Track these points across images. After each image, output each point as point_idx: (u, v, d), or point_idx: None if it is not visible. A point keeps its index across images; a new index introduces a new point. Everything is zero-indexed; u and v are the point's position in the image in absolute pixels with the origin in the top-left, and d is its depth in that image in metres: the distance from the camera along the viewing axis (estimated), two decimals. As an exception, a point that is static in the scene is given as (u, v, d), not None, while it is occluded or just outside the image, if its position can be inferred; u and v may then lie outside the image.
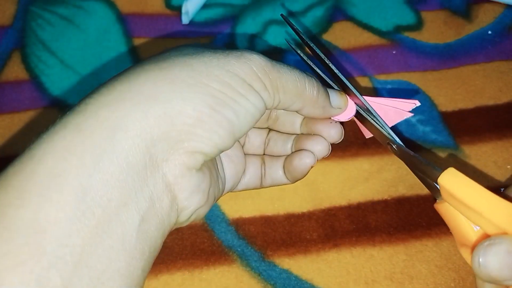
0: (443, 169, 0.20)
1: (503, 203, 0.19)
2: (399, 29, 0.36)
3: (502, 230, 0.19)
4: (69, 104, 0.33)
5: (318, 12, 0.37)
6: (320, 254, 0.27)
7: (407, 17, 0.37)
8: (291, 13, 0.37)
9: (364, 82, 0.34)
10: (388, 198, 0.29)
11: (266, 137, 0.27)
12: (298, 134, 0.27)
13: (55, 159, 0.17)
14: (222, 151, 0.20)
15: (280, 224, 0.28)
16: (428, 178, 0.22)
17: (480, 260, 0.19)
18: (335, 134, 0.25)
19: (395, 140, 0.24)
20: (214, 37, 0.36)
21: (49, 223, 0.16)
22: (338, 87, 0.26)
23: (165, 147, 0.18)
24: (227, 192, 0.25)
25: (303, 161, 0.25)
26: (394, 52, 0.35)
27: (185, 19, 0.36)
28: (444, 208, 0.22)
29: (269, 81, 0.20)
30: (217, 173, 0.23)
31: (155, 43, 0.36)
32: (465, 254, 0.22)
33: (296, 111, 0.23)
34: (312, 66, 0.26)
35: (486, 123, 0.32)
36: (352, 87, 0.25)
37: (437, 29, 0.36)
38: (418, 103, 0.25)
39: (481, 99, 0.33)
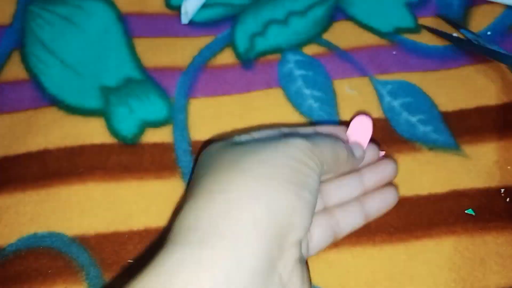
0: None
1: None
2: (399, 31, 0.36)
3: None
4: (69, 104, 0.33)
5: (319, 12, 0.37)
6: (320, 254, 0.27)
7: (407, 20, 0.37)
8: (292, 13, 0.37)
9: (364, 82, 0.34)
10: (388, 198, 0.29)
11: None
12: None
13: (188, 275, 0.17)
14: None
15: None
16: None
17: None
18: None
19: None
20: (214, 36, 0.36)
21: None
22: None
23: (278, 244, 0.19)
24: None
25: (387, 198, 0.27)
26: (394, 53, 0.35)
27: (184, 19, 0.36)
28: None
29: (316, 158, 0.22)
30: None
31: (155, 42, 0.35)
32: None
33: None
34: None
35: (487, 123, 0.32)
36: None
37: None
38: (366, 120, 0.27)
39: (482, 99, 0.33)
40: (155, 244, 0.27)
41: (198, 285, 0.17)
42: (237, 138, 0.25)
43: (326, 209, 0.26)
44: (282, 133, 0.26)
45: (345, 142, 0.26)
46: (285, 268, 0.19)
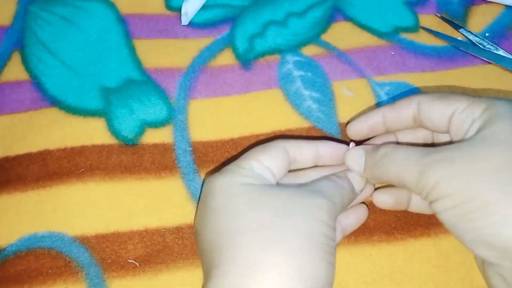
0: None
1: None
2: (398, 30, 0.36)
3: None
4: (69, 104, 0.33)
5: (317, 13, 0.37)
6: (319, 254, 0.27)
7: (406, 19, 0.37)
8: (291, 14, 0.37)
9: (362, 83, 0.34)
10: (387, 198, 0.29)
11: None
12: None
13: None
14: None
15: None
16: None
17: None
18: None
19: None
20: (214, 38, 0.36)
21: None
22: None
23: None
24: None
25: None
26: (392, 53, 0.35)
27: (184, 20, 0.36)
28: None
29: (334, 216, 0.23)
30: None
31: (155, 43, 0.36)
32: None
33: None
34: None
35: (485, 124, 0.32)
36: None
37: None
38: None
39: (480, 99, 0.33)
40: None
41: None
42: (248, 169, 0.23)
43: None
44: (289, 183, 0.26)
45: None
46: None
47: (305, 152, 0.26)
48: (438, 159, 0.21)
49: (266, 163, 0.24)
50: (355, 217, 0.27)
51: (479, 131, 0.22)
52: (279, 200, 0.22)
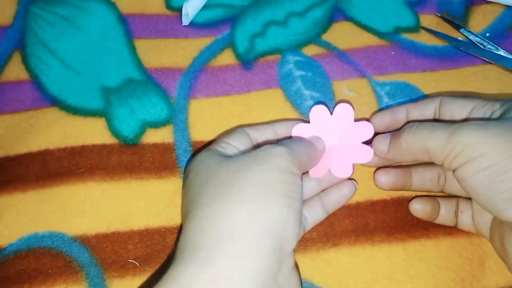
0: None
1: None
2: (399, 30, 0.36)
3: None
4: (69, 104, 0.33)
5: (318, 12, 0.37)
6: (319, 253, 0.27)
7: (407, 19, 0.37)
8: (291, 14, 0.37)
9: (362, 83, 0.34)
10: (387, 198, 0.29)
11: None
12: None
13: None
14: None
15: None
16: None
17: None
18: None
19: None
20: (214, 37, 0.36)
21: None
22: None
23: (277, 258, 0.20)
24: None
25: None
26: (393, 53, 0.35)
27: (185, 21, 0.36)
28: None
29: (296, 162, 0.23)
30: None
31: (155, 43, 0.36)
32: None
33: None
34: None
35: (485, 124, 0.32)
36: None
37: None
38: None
39: (480, 99, 0.33)
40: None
41: None
42: (219, 148, 0.26)
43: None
44: (256, 143, 0.28)
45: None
46: (284, 277, 0.21)
47: (263, 132, 0.28)
48: (468, 124, 0.22)
49: (232, 142, 0.26)
50: (338, 193, 0.28)
51: (502, 115, 0.23)
52: (242, 160, 0.23)
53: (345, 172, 0.28)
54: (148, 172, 0.30)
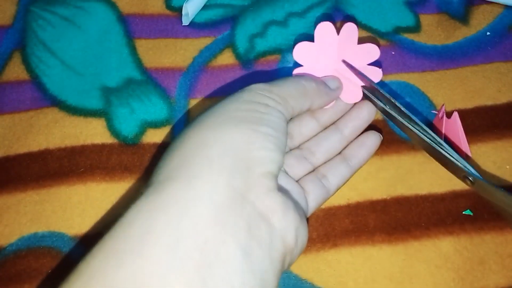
0: None
1: None
2: (398, 30, 0.36)
3: None
4: (70, 104, 0.33)
5: (318, 13, 0.37)
6: (319, 254, 0.27)
7: (406, 19, 0.37)
8: (291, 14, 0.37)
9: (363, 82, 0.34)
10: (388, 198, 0.29)
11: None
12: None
13: (143, 220, 0.17)
14: (280, 167, 0.21)
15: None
16: None
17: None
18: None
19: (472, 172, 0.24)
20: (214, 37, 0.36)
21: (146, 277, 0.16)
22: (409, 123, 0.26)
23: (242, 177, 0.19)
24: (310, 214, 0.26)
25: (370, 138, 0.27)
26: (393, 53, 0.35)
27: (185, 21, 0.36)
28: None
29: (276, 95, 0.23)
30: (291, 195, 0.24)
31: (155, 43, 0.36)
32: None
33: (310, 109, 0.25)
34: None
35: (485, 123, 0.32)
36: (422, 124, 0.26)
37: (435, 32, 0.36)
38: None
39: (480, 99, 0.33)
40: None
41: (152, 223, 0.17)
42: None
43: (315, 169, 0.27)
44: None
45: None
46: (258, 197, 0.19)
47: None
48: None
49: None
50: (362, 148, 0.27)
51: None
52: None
53: (355, 96, 0.26)
54: (148, 172, 0.30)
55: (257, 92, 0.23)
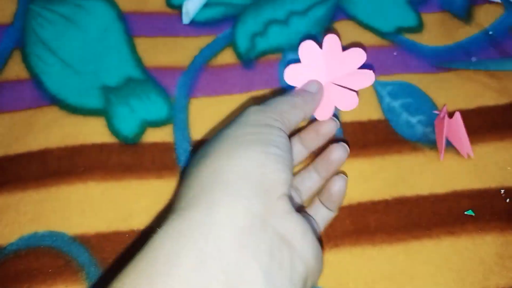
0: None
1: None
2: (400, 30, 0.36)
3: None
4: (69, 103, 0.33)
5: (319, 12, 0.37)
6: (320, 254, 0.27)
7: (409, 19, 0.37)
8: (292, 13, 0.37)
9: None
10: (389, 198, 0.29)
11: None
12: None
13: (170, 244, 0.18)
14: (291, 186, 0.22)
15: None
16: None
17: None
18: (329, 127, 0.27)
19: None
20: (215, 36, 0.36)
21: None
22: None
23: (260, 201, 0.20)
24: None
25: (337, 184, 0.27)
26: (395, 54, 0.35)
27: (185, 19, 0.36)
28: None
29: (272, 113, 0.24)
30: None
31: (155, 42, 0.35)
32: None
33: (304, 118, 0.26)
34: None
35: (487, 124, 0.32)
36: None
37: (437, 31, 0.36)
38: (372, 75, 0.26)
39: (482, 99, 0.33)
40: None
41: (177, 248, 0.18)
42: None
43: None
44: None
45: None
46: (277, 220, 0.20)
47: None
48: None
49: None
50: (335, 188, 0.27)
51: None
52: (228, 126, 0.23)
53: (351, 102, 0.27)
54: (149, 171, 0.30)
55: (257, 114, 0.23)
